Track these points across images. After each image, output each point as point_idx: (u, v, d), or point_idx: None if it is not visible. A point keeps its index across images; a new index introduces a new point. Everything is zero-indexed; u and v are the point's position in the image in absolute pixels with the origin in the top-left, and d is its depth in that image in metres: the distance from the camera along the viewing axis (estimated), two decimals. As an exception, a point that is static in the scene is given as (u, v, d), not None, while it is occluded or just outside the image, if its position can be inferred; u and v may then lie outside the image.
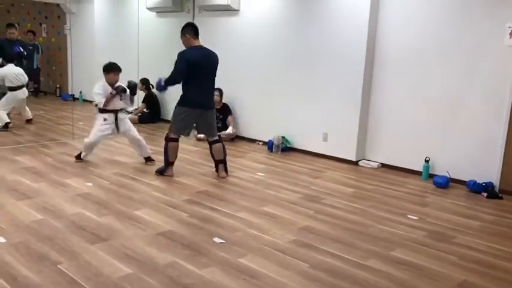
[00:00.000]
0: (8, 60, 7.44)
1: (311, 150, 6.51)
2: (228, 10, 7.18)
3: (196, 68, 4.76)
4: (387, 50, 5.78)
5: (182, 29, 4.94)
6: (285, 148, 6.60)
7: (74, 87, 10.62)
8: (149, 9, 8.28)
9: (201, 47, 4.92)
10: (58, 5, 10.49)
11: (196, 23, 7.72)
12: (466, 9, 5.10)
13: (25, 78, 7.39)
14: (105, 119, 5.37)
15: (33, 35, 10.97)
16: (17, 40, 8.19)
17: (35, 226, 3.57)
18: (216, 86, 7.13)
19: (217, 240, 3.47)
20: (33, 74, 10.98)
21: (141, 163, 5.64)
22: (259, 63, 7.00)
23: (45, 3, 10.85)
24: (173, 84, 4.87)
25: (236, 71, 7.28)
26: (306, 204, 4.41)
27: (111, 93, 5.30)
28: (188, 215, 3.97)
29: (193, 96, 4.84)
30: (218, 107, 7.29)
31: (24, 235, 3.39)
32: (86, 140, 5.51)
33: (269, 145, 6.69)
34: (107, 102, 5.30)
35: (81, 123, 7.97)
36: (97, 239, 3.40)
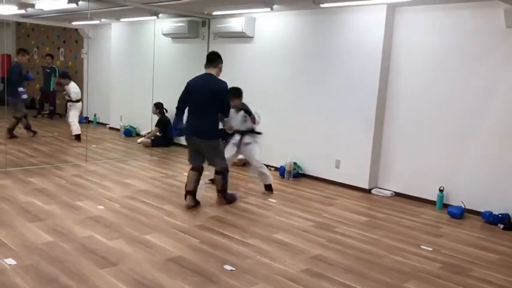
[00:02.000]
0: (18, 82, 7.84)
1: (323, 177, 6.46)
2: (242, 37, 7.29)
3: (192, 95, 4.79)
4: (400, 79, 5.79)
5: None
6: (296, 174, 6.57)
7: (89, 110, 10.77)
8: (165, 35, 8.43)
9: (206, 75, 4.82)
10: (76, 30, 10.75)
11: (211, 48, 7.88)
12: (480, 37, 5.11)
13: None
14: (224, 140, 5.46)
15: (51, 58, 11.23)
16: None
17: (45, 248, 3.56)
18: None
19: (228, 267, 3.42)
20: (49, 97, 11.25)
21: (152, 186, 5.64)
22: (271, 89, 7.05)
23: (64, 28, 11.13)
24: (179, 114, 4.92)
25: (248, 96, 7.29)
26: (318, 232, 4.35)
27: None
28: (199, 241, 3.94)
29: (187, 123, 4.86)
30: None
31: (34, 257, 3.38)
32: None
33: (281, 171, 6.66)
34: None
35: (94, 145, 8.05)
36: (107, 263, 3.37)
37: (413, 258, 3.85)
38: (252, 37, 7.24)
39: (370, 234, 4.41)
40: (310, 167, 6.63)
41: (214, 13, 7.42)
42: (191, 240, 3.95)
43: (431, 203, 5.49)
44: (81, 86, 10.99)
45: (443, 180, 5.41)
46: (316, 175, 6.56)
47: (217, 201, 5.14)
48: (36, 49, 12.69)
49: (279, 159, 6.79)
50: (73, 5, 7.08)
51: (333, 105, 6.30)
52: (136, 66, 9.32)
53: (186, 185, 4.94)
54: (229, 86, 4.95)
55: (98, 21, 9.88)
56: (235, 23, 7.18)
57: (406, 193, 5.80)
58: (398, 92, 5.82)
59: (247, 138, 5.54)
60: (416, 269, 3.64)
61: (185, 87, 4.88)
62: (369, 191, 6.00)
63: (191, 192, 4.90)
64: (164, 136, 8.50)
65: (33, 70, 12.27)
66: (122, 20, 9.45)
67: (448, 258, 3.91)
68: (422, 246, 4.14)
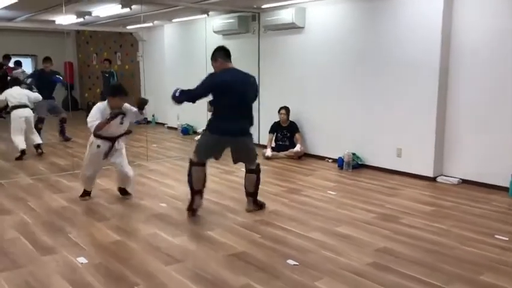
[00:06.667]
0: (45, 89, 7.85)
1: (384, 167, 6.25)
2: (293, 28, 7.18)
3: (225, 91, 4.28)
4: (463, 56, 5.46)
5: (213, 54, 4.51)
6: (356, 165, 6.40)
7: (147, 111, 11.06)
8: (216, 32, 8.49)
9: (234, 70, 4.46)
10: (131, 33, 11.08)
11: (262, 42, 7.89)
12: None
13: (26, 98, 7.15)
14: (98, 146, 4.68)
15: (109, 63, 11.66)
16: (51, 71, 8.45)
17: (113, 247, 3.68)
18: (283, 104, 7.23)
19: (291, 262, 3.38)
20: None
21: (211, 182, 5.69)
22: (326, 79, 6.90)
23: (119, 33, 11.53)
24: (187, 101, 4.49)
25: (303, 87, 7.22)
26: (382, 224, 4.21)
27: (107, 118, 4.58)
28: (260, 236, 3.92)
29: (221, 123, 4.34)
30: (285, 125, 7.29)
31: (103, 256, 3.51)
32: (83, 174, 4.93)
33: (339, 162, 6.52)
34: (100, 127, 4.57)
35: (154, 145, 8.27)
36: (171, 260, 3.43)
37: (488, 249, 3.62)
38: (303, 27, 7.12)
39: (438, 224, 4.20)
40: (369, 157, 6.44)
41: (264, 6, 7.36)
42: (253, 235, 3.94)
43: (504, 189, 5.16)
44: (138, 88, 11.39)
45: (516, 164, 5.06)
46: (376, 165, 6.36)
47: (247, 208, 4.59)
48: (95, 55, 13.24)
49: (337, 150, 6.64)
50: (127, 10, 7.30)
51: (390, 92, 6.06)
52: (189, 65, 9.46)
53: (192, 183, 4.38)
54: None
55: (151, 24, 10.13)
56: (285, 14, 7.09)
57: (474, 180, 5.48)
58: (462, 71, 5.49)
59: (120, 144, 4.91)
60: (491, 260, 3.42)
61: (209, 86, 4.36)
62: (434, 179, 5.73)
63: (201, 192, 4.43)
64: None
65: (93, 75, 12.82)
66: (173, 20, 9.63)
67: (527, 248, 3.65)
68: (496, 236, 3.89)
